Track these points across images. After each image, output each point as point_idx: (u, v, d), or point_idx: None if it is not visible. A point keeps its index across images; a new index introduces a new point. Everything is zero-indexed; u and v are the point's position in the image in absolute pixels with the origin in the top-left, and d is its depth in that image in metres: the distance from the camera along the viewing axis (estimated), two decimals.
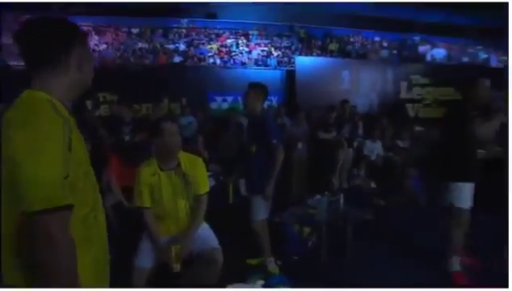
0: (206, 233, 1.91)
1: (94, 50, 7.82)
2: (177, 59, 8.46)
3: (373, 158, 5.09)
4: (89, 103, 6.64)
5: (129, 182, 2.62)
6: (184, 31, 9.50)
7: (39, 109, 0.74)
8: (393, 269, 2.42)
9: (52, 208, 0.68)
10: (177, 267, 1.69)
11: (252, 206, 2.35)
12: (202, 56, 8.62)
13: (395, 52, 10.92)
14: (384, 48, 11.05)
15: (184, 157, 1.88)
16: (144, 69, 7.76)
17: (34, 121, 0.71)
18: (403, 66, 9.87)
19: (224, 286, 1.94)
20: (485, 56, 12.11)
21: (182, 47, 8.89)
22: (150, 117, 5.85)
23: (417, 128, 6.89)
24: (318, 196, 3.38)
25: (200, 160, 1.96)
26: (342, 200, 3.14)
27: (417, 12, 11.86)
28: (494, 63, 11.99)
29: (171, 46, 8.79)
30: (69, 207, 0.72)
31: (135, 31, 8.95)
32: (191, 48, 8.86)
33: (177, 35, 9.32)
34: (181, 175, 1.82)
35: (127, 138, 3.84)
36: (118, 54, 7.98)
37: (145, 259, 1.76)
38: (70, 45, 0.83)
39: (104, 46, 8.11)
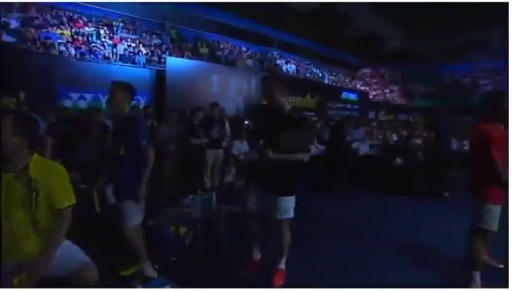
0: (68, 250, 1.64)
1: None
2: (6, 38, 6.60)
3: (241, 157, 5.64)
4: None
5: None
6: (17, 4, 7.51)
7: None
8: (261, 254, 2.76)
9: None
10: None
11: (124, 212, 2.20)
12: (49, 42, 7.10)
13: (258, 62, 12.37)
14: (249, 57, 12.32)
15: (38, 161, 1.56)
16: None
17: None
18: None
19: None
20: (320, 74, 15.50)
21: (13, 24, 7.00)
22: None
23: None
24: (191, 196, 3.50)
25: (61, 168, 1.65)
26: (214, 198, 3.36)
27: (274, 31, 13.90)
28: (326, 80, 15.56)
29: None
30: None
31: None
32: (32, 30, 7.13)
33: (2, 7, 7.25)
34: (25, 181, 1.49)
35: None
36: None
37: None
38: None
39: None
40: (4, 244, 1.47)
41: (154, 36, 9.91)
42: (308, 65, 15.47)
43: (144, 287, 2.04)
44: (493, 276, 2.29)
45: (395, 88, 19.91)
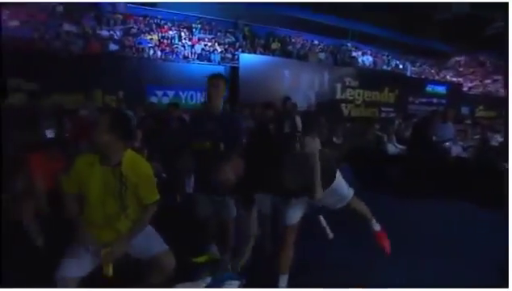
0: (150, 237, 1.79)
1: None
2: (112, 47, 7.76)
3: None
4: None
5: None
6: (120, 17, 8.79)
7: None
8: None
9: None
10: (107, 271, 1.58)
11: (226, 205, 2.30)
12: (141, 47, 8.07)
13: (331, 55, 11.82)
14: (321, 50, 11.87)
15: (130, 158, 1.71)
16: (71, 55, 6.89)
17: None
18: (338, 69, 10.71)
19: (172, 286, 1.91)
20: (402, 66, 13.92)
21: (117, 35, 8.19)
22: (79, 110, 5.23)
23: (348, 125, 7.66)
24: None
25: (147, 166, 1.77)
26: None
27: (350, 21, 13.07)
28: (408, 72, 13.90)
29: (105, 32, 8.04)
30: None
31: (59, 9, 7.91)
32: (129, 38, 8.24)
33: (112, 21, 8.57)
34: (117, 176, 1.66)
35: (50, 134, 3.41)
36: (36, 35, 6.90)
37: (73, 267, 1.57)
38: None
39: (16, 23, 6.93)
40: (99, 225, 1.71)
41: (228, 35, 10.36)
42: (387, 56, 14.12)
43: (213, 278, 2.10)
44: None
45: (499, 78, 16.66)
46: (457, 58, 18.08)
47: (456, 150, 5.70)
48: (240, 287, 2.05)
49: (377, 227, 2.33)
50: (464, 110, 13.88)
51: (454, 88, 14.39)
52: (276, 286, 2.08)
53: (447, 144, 5.47)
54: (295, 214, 2.04)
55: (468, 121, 10.68)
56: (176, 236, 2.24)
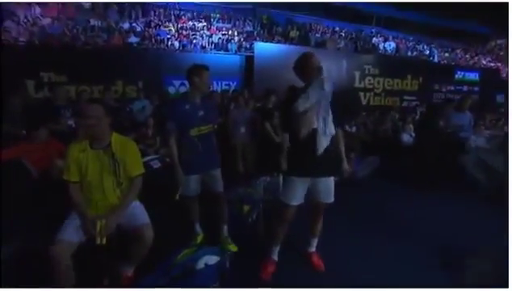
0: (136, 210, 2.03)
1: (35, 24, 7.25)
2: (133, 39, 8.14)
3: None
4: (30, 84, 6.07)
5: None
6: (141, 11, 9.12)
7: None
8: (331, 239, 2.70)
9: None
10: (101, 240, 1.81)
11: (219, 178, 2.54)
12: (159, 38, 8.37)
13: (351, 42, 11.42)
14: (341, 37, 11.52)
15: (117, 139, 1.99)
16: (96, 48, 7.35)
17: None
18: (357, 56, 10.38)
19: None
20: (428, 52, 13.08)
21: (138, 28, 8.55)
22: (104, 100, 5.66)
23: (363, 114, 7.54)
24: (264, 178, 3.66)
25: (132, 143, 2.05)
26: (281, 180, 3.42)
27: (373, 5, 12.47)
28: (436, 58, 13.05)
29: (126, 25, 8.42)
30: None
31: (86, 5, 8.42)
32: (149, 29, 8.57)
33: (134, 14, 8.94)
34: (109, 155, 1.93)
35: (70, 123, 3.78)
36: (66, 31, 7.43)
37: (71, 233, 1.81)
38: None
39: (48, 20, 7.50)
40: (98, 199, 1.97)
41: (247, 23, 10.36)
42: (412, 41, 13.36)
43: (197, 252, 2.29)
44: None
45: None
46: (498, 41, 16.63)
47: (478, 142, 5.43)
48: (221, 263, 2.21)
49: (314, 248, 2.51)
50: (500, 98, 12.91)
51: (489, 74, 13.36)
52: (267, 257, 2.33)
53: (464, 134, 5.23)
54: (299, 195, 2.19)
55: (502, 109, 10.00)
56: (167, 216, 2.48)
